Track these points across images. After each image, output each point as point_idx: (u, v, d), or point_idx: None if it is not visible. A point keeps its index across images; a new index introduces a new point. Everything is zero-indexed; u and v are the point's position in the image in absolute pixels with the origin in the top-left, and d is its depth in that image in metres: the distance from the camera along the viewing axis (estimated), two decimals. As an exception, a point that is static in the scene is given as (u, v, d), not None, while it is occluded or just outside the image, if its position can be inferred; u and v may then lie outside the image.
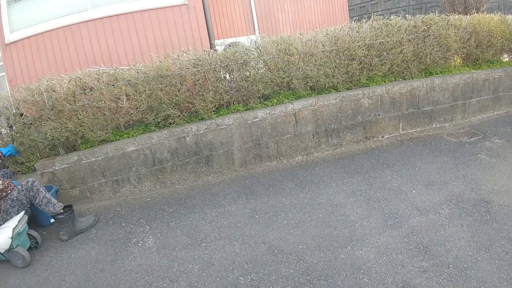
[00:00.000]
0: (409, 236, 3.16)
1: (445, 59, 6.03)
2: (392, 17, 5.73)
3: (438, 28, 5.63)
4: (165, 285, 2.87)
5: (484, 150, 4.87)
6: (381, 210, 3.62)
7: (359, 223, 3.43)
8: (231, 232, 3.50)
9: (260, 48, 4.96)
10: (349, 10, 12.20)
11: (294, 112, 4.93)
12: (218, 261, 3.08)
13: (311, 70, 5.07)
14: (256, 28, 8.77)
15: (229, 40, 7.54)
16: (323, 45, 5.15)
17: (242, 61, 4.81)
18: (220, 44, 5.88)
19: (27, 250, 3.38)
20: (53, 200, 3.59)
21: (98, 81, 4.32)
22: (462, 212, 3.45)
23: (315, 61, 5.10)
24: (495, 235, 3.08)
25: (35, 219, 3.93)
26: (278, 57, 4.94)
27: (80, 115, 4.21)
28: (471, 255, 2.86)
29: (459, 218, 3.36)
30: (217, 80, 4.73)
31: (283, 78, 5.03)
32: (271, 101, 5.03)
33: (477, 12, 7.57)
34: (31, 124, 4.20)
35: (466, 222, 3.29)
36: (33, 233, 3.56)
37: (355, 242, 3.15)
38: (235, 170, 4.90)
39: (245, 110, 4.93)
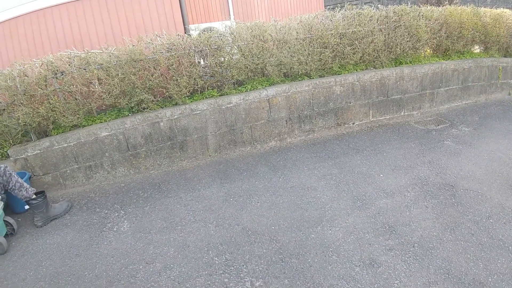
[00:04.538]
0: (375, 216, 3.32)
1: (415, 49, 6.20)
2: (365, 7, 5.85)
3: (409, 19, 5.79)
4: (141, 267, 2.91)
5: (451, 137, 5.09)
6: (350, 192, 3.77)
7: (329, 204, 3.57)
8: (205, 215, 3.57)
9: (235, 33, 4.97)
10: (324, -1, 12.28)
11: (268, 98, 5.00)
12: (193, 243, 3.15)
13: (285, 57, 5.13)
14: (231, 13, 8.70)
15: (204, 25, 7.47)
16: (297, 32, 5.21)
17: (216, 47, 4.81)
18: (194, 29, 5.82)
19: (3, 237, 3.35)
20: (26, 184, 3.58)
21: (69, 65, 4.23)
22: (427, 195, 3.63)
23: (289, 48, 5.16)
24: (460, 218, 3.24)
25: (9, 206, 3.88)
26: (253, 43, 4.97)
27: (52, 99, 4.14)
28: (436, 236, 3.01)
29: (424, 201, 3.53)
30: (191, 65, 4.72)
31: (257, 64, 5.08)
32: (245, 87, 5.07)
33: (450, 4, 7.74)
34: (3, 110, 4.10)
35: (431, 204, 3.46)
36: (9, 219, 3.51)
37: (325, 222, 3.28)
38: (210, 155, 4.94)
39: (220, 95, 4.95)
